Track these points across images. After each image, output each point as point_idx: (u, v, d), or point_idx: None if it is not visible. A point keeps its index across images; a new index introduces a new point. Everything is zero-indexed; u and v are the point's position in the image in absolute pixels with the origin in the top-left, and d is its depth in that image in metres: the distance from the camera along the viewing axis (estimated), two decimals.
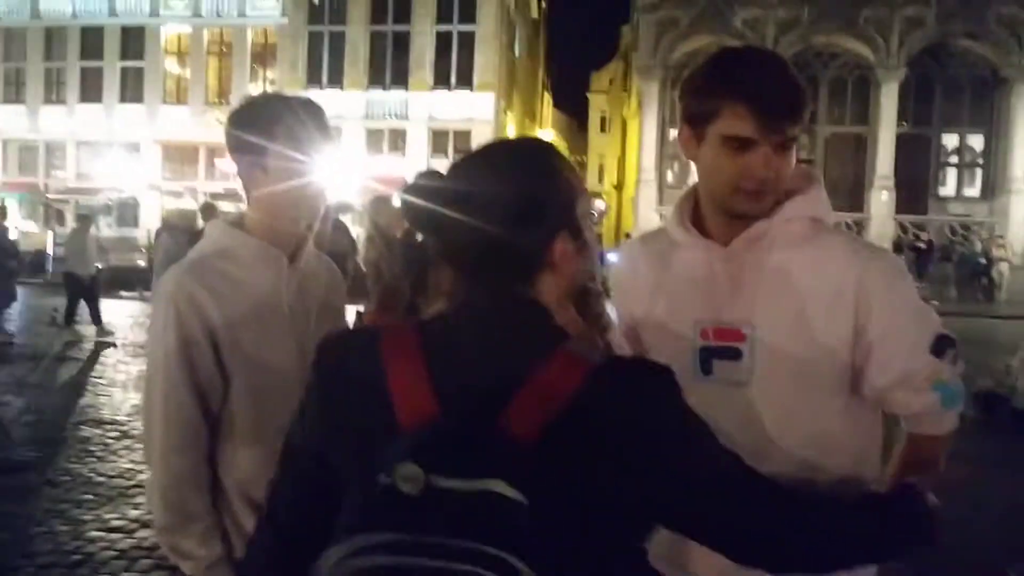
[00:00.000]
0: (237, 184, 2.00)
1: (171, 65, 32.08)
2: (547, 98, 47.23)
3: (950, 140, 28.23)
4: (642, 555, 1.34)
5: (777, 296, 1.65)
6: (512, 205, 1.18)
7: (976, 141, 28.01)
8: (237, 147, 1.88)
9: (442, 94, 29.99)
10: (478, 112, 29.47)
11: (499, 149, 1.27)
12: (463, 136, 29.14)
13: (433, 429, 1.06)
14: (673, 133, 27.13)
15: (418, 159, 29.43)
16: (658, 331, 1.78)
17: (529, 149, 1.27)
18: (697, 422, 1.21)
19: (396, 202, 5.08)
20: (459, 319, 1.21)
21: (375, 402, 1.13)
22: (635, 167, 29.21)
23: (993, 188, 27.03)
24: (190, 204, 25.03)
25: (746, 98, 1.57)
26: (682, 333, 1.72)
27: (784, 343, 1.64)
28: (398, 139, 30.43)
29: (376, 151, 29.77)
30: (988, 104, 27.15)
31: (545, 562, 0.97)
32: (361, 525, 1.00)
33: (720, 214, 1.70)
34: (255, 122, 1.87)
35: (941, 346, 1.65)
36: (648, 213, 26.59)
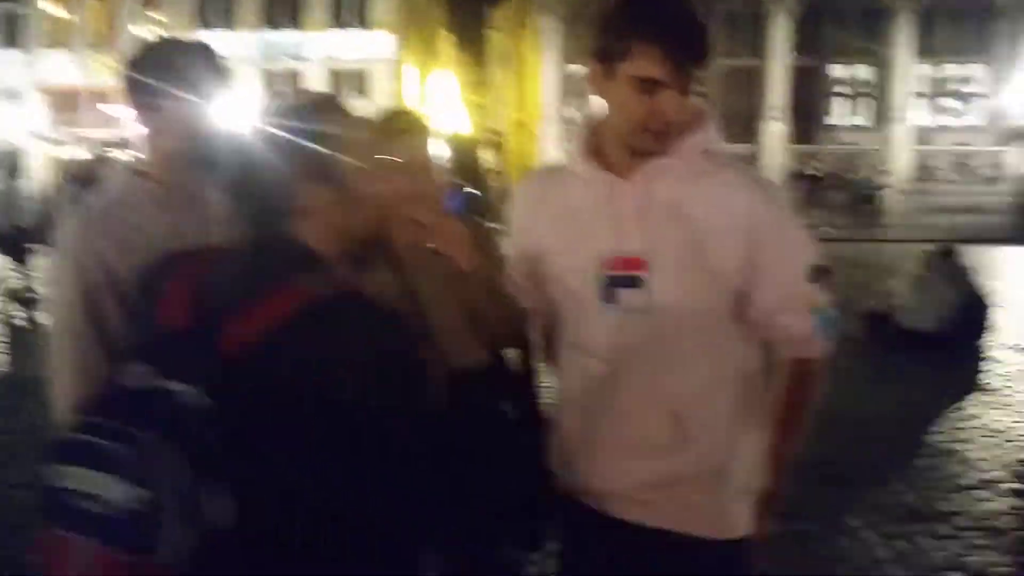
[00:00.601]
0: (128, 130, 2.02)
1: (50, 7, 30.38)
2: (445, 35, 46.40)
3: (840, 71, 28.98)
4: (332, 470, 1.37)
5: (675, 226, 1.75)
6: (262, 157, 1.40)
7: (864, 72, 28.84)
8: (134, 92, 1.89)
9: (338, 33, 29.26)
10: (377, 52, 28.89)
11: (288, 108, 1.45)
12: (362, 77, 28.60)
13: (163, 337, 1.31)
14: (575, 69, 27.18)
15: None
16: (562, 262, 1.85)
17: (299, 110, 1.44)
18: (395, 364, 1.35)
19: None
20: (230, 253, 1.43)
21: (152, 314, 1.38)
22: (537, 104, 29.16)
23: (880, 117, 27.96)
24: (77, 153, 23.99)
25: (660, 41, 1.64)
26: (586, 264, 1.80)
27: (681, 270, 1.75)
28: (295, 81, 29.64)
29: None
30: (875, 35, 27.91)
31: (214, 460, 1.20)
32: (90, 406, 1.26)
33: (622, 149, 1.78)
34: (152, 67, 1.87)
35: (816, 275, 1.80)
36: (551, 150, 26.69)
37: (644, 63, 1.65)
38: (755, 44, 27.92)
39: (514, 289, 1.96)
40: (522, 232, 1.97)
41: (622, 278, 1.76)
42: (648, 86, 1.66)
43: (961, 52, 27.20)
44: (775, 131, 26.67)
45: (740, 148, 25.71)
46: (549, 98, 27.55)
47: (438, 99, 37.56)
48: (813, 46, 28.15)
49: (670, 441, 1.79)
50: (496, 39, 32.47)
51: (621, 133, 1.76)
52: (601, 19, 1.73)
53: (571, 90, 27.68)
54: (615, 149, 1.79)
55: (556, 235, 1.86)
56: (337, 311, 1.32)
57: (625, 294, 1.76)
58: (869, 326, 8.66)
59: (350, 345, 1.29)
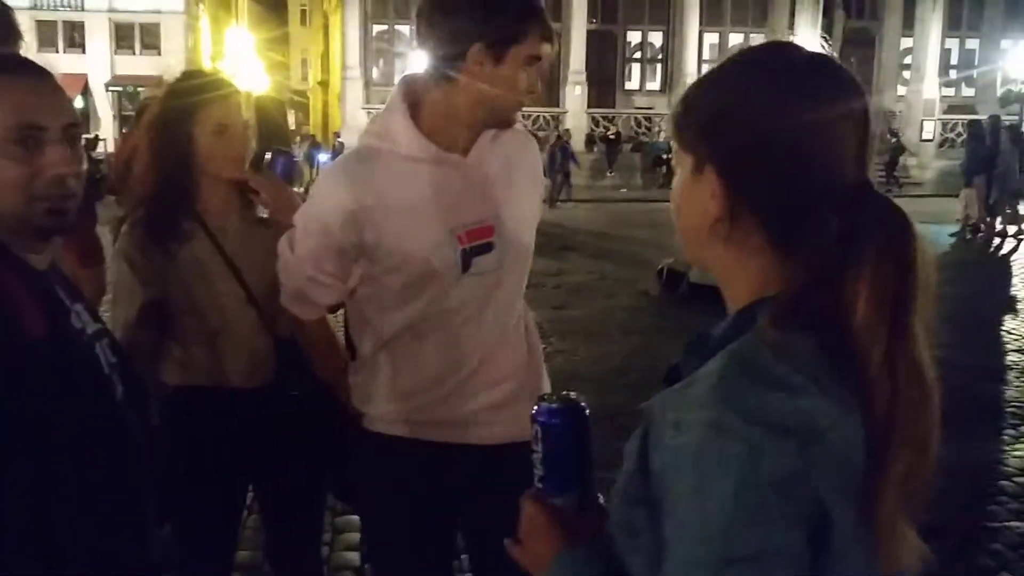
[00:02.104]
0: None
1: None
2: None
3: (634, 37, 30.16)
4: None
5: (508, 188, 1.93)
6: None
7: (656, 38, 30.15)
8: None
9: None
10: (166, 4, 27.33)
11: None
12: (151, 30, 27.00)
13: None
14: (377, 28, 26.83)
15: (100, 56, 26.93)
16: (407, 247, 1.86)
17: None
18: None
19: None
20: None
21: None
22: (340, 64, 28.60)
23: (671, 82, 29.37)
24: None
25: (543, 23, 1.81)
26: (440, 242, 1.85)
27: (517, 226, 1.94)
28: (75, 33, 27.60)
29: (49, 47, 26.85)
30: (666, 2, 29.20)
31: None
32: None
33: (467, 127, 1.85)
34: None
35: None
36: (355, 111, 26.30)
37: (535, 43, 1.79)
38: (555, 10, 28.55)
39: (309, 287, 1.94)
40: (342, 226, 1.86)
41: (476, 248, 1.88)
42: (533, 62, 1.81)
43: (744, 22, 28.94)
44: (576, 94, 27.44)
45: (545, 111, 26.36)
46: (352, 59, 27.06)
47: (234, 56, 36.14)
48: (610, 11, 29.13)
49: (517, 366, 2.00)
50: None
51: (496, 110, 1.85)
52: (480, 9, 1.76)
53: (374, 50, 27.28)
54: (458, 128, 1.86)
55: (395, 222, 1.85)
56: None
57: (479, 260, 1.89)
58: (665, 282, 9.16)
59: None
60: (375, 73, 28.25)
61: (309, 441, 2.32)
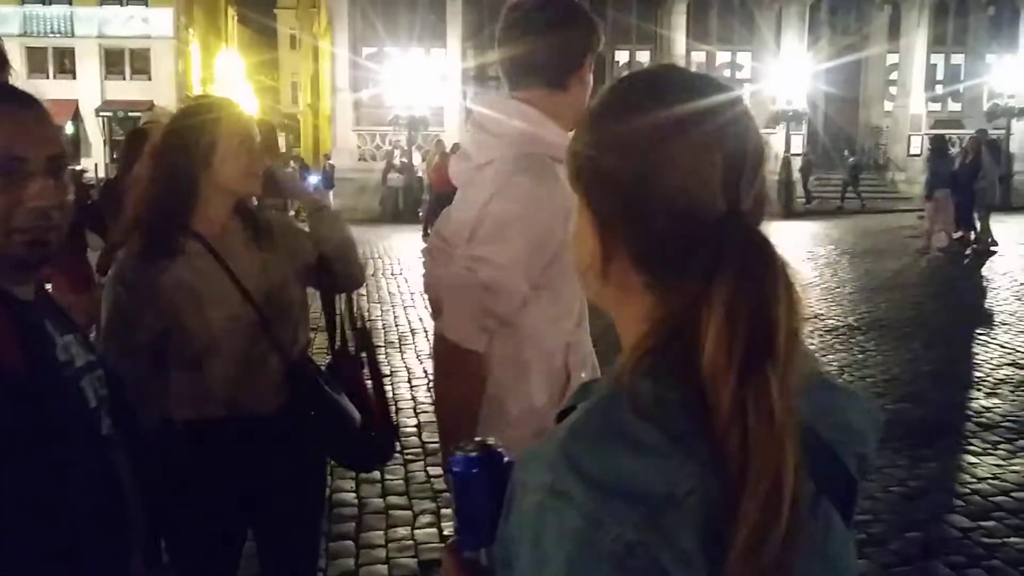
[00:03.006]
0: None
1: None
2: (232, 14, 44.78)
3: (622, 56, 30.28)
4: None
5: None
6: None
7: (644, 57, 30.26)
8: None
9: (114, 9, 27.51)
10: (156, 29, 27.40)
11: None
12: (141, 55, 27.05)
13: None
14: (367, 51, 26.91)
15: (91, 82, 26.95)
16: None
17: None
18: None
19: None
20: None
21: None
22: (330, 87, 28.67)
23: None
24: None
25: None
26: None
27: None
28: (65, 59, 27.65)
29: (40, 73, 26.88)
30: (653, 22, 29.37)
31: None
32: None
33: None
34: None
35: None
36: (345, 133, 26.34)
37: (598, 44, 1.95)
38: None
39: (511, 302, 1.86)
40: (564, 226, 1.80)
41: None
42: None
43: (730, 40, 29.10)
44: None
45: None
46: (341, 81, 27.11)
47: (225, 80, 36.22)
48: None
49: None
50: (285, 19, 31.43)
51: (579, 117, 1.92)
52: (589, 21, 1.93)
53: (364, 73, 27.34)
54: (566, 138, 1.90)
55: (568, 227, 1.89)
56: None
57: None
58: None
59: None
60: (365, 95, 28.31)
61: (316, 465, 2.38)
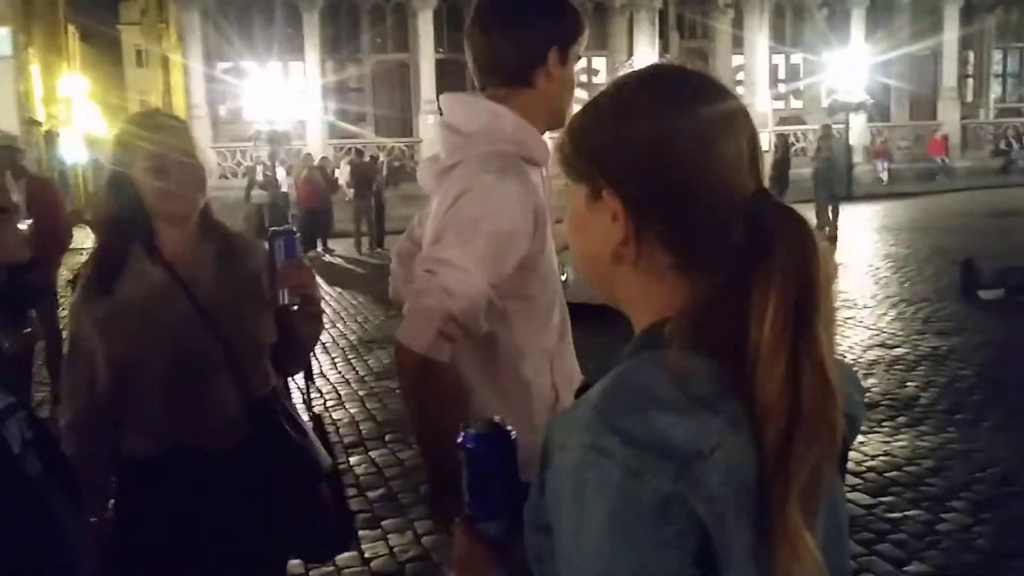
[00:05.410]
0: None
1: None
2: (73, 32, 42.61)
3: None
4: None
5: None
6: None
7: None
8: None
9: None
10: None
11: None
12: None
13: None
14: (222, 65, 26.18)
15: None
16: (547, 258, 1.88)
17: None
18: None
19: None
20: None
21: None
22: (184, 103, 27.72)
23: None
24: None
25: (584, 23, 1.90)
26: (553, 250, 1.91)
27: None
28: None
29: None
30: None
31: None
32: None
33: (541, 133, 1.89)
34: None
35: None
36: (204, 151, 25.46)
37: (582, 41, 1.87)
38: (402, 41, 28.61)
39: (475, 311, 1.76)
40: (532, 228, 1.80)
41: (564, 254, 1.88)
42: (577, 60, 1.87)
43: (587, 46, 29.77)
44: (430, 123, 27.52)
45: (400, 141, 26.41)
46: (197, 98, 26.26)
47: (69, 99, 34.46)
48: (456, 42, 29.39)
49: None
50: (130, 35, 30.16)
51: (563, 112, 1.88)
52: (553, 13, 1.84)
53: (220, 89, 26.57)
54: (537, 137, 1.89)
55: (545, 228, 1.86)
56: None
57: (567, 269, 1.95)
58: None
59: None
60: (223, 111, 27.53)
61: (280, 506, 2.20)
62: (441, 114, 1.96)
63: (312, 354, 2.48)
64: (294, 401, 2.42)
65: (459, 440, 1.07)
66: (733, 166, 0.93)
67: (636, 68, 1.02)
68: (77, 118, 34.77)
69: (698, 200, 0.92)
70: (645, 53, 27.74)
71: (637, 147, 0.93)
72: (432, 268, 1.74)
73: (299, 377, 2.50)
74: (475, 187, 1.77)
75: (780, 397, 0.83)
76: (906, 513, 4.31)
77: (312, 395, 2.55)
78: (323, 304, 2.26)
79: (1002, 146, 30.31)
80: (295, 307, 2.14)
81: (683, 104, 0.95)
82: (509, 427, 1.08)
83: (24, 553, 1.29)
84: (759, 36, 29.44)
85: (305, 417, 2.37)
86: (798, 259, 0.87)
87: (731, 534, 0.82)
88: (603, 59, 29.36)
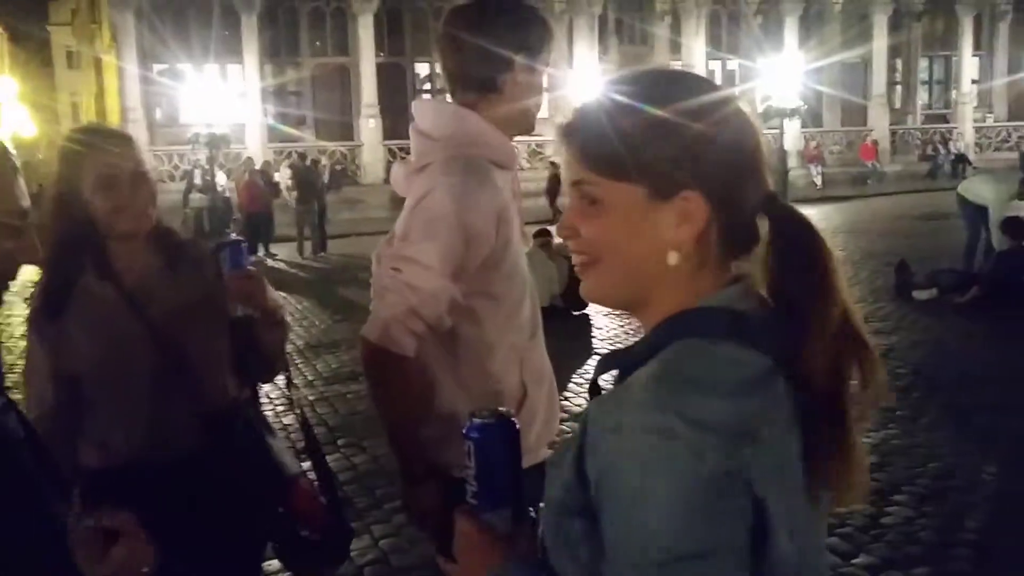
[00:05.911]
0: None
1: None
2: (1, 32, 41.42)
3: (422, 68, 30.48)
4: None
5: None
6: None
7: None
8: None
9: None
10: None
11: None
12: None
13: None
14: (158, 67, 25.70)
15: None
16: (514, 252, 1.97)
17: None
18: None
19: None
20: None
21: None
22: (118, 106, 27.14)
23: None
24: None
25: (553, 35, 1.97)
26: (521, 247, 2.02)
27: None
28: None
29: None
30: None
31: None
32: None
33: (508, 137, 1.98)
34: None
35: None
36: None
37: (550, 51, 1.96)
38: (342, 45, 28.41)
39: (437, 307, 1.85)
40: (495, 228, 1.89)
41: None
42: (547, 69, 1.98)
43: None
44: (371, 127, 27.39)
45: (341, 145, 26.23)
46: (132, 101, 25.71)
47: None
48: (397, 46, 29.29)
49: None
50: (60, 36, 29.50)
51: (522, 120, 1.97)
52: (520, 22, 1.92)
53: (155, 91, 26.07)
54: (504, 141, 1.97)
55: (509, 228, 1.94)
56: None
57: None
58: None
59: None
60: (159, 114, 27.03)
61: (240, 520, 2.16)
62: (413, 120, 2.01)
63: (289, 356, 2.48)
64: (279, 406, 2.43)
65: (464, 430, 1.09)
66: (768, 163, 1.03)
67: (646, 72, 1.05)
68: (6, 121, 33.82)
69: (752, 193, 1.00)
70: (585, 59, 28.00)
71: (719, 146, 0.98)
72: (397, 265, 1.84)
73: (280, 380, 2.50)
74: (440, 187, 1.85)
75: (823, 352, 0.94)
76: (851, 507, 4.42)
77: (293, 395, 2.57)
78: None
79: (929, 151, 31.25)
80: (256, 316, 2.14)
81: (729, 102, 1.01)
82: (513, 417, 1.11)
83: (29, 549, 1.31)
84: (696, 42, 29.91)
85: (290, 419, 2.38)
86: (809, 243, 0.98)
87: (786, 502, 0.90)
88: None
